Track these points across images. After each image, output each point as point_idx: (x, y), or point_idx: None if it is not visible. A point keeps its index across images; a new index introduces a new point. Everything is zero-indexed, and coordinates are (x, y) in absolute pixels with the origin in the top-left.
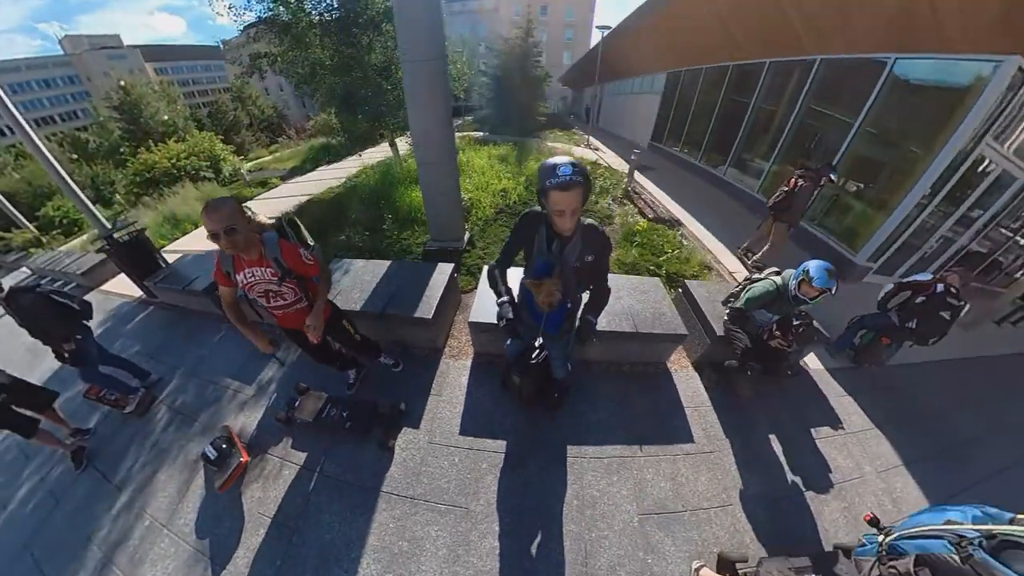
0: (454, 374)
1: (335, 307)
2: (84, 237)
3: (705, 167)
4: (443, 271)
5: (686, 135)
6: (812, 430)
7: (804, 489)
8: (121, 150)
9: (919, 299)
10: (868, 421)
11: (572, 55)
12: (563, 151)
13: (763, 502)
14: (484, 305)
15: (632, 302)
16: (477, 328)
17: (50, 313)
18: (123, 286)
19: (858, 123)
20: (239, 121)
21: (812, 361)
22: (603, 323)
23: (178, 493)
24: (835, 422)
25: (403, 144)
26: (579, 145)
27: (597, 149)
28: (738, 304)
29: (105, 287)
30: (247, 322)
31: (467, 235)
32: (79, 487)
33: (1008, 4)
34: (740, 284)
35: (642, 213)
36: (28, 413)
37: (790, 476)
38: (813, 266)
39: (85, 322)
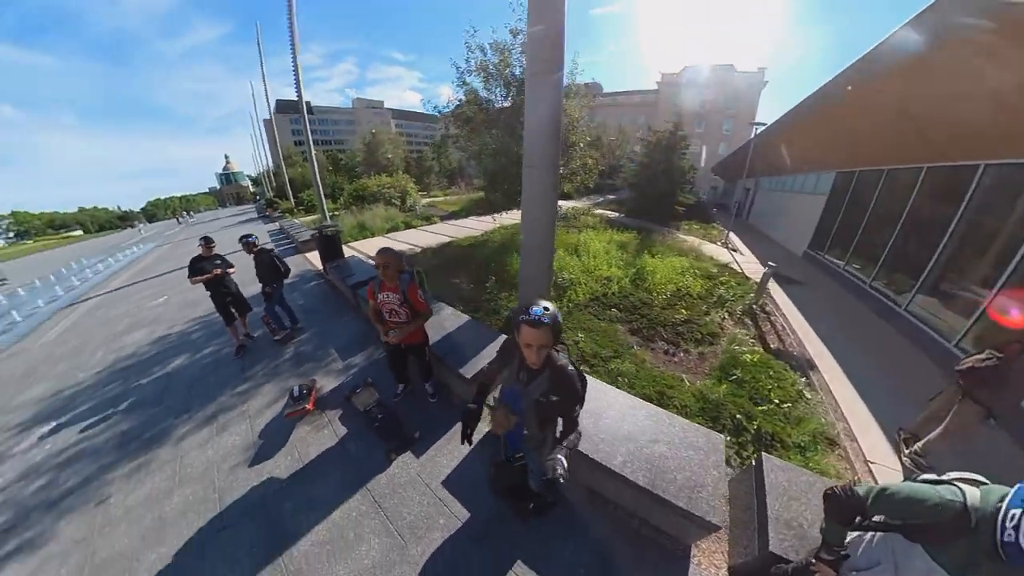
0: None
1: (427, 337)
2: (312, 218)
3: (879, 291)
4: (499, 340)
5: (856, 246)
6: None
7: None
8: (356, 171)
9: None
10: None
11: (728, 146)
12: (690, 246)
13: None
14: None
15: (666, 450)
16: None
17: (269, 266)
18: (316, 260)
19: None
20: (431, 167)
21: None
22: (618, 460)
23: (267, 403)
24: None
25: None
26: (714, 242)
27: (735, 250)
28: (859, 491)
29: (308, 255)
30: (381, 320)
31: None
32: (231, 367)
33: None
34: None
35: (763, 339)
36: (234, 311)
37: None
38: None
39: (284, 280)
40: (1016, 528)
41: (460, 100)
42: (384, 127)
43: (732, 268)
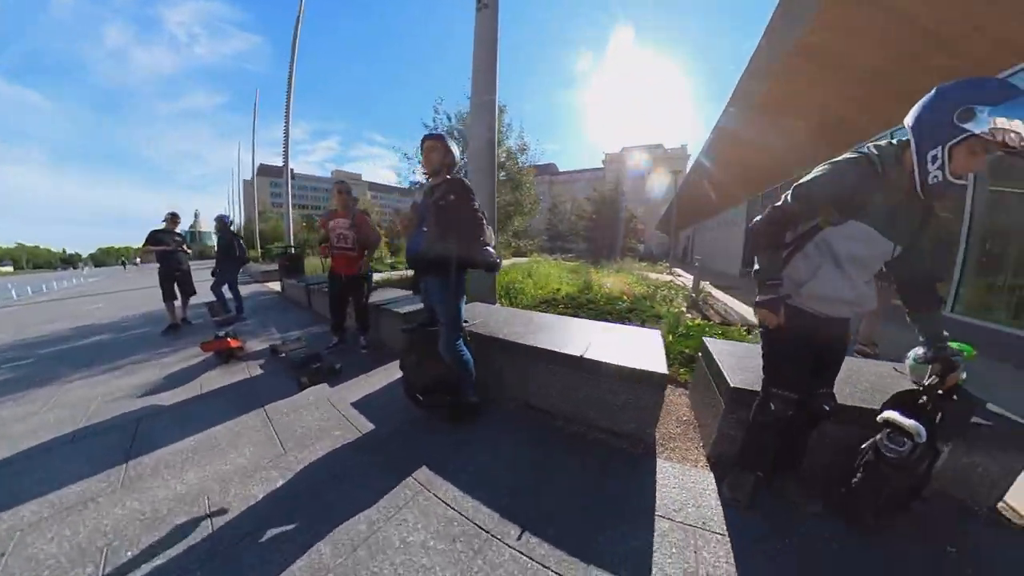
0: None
1: (368, 277)
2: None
3: None
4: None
5: None
6: None
7: None
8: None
9: None
10: None
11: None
12: (638, 272)
13: None
14: (738, 364)
15: (605, 342)
16: (740, 403)
17: (227, 245)
18: (273, 285)
19: None
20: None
21: None
22: (565, 349)
23: (186, 357)
24: None
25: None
26: (659, 273)
27: (678, 275)
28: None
29: (268, 284)
30: (330, 249)
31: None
32: (157, 340)
33: None
34: None
35: (707, 318)
36: (177, 291)
37: None
38: (966, 84)
39: (240, 263)
40: (940, 168)
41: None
42: (361, 196)
43: (673, 283)
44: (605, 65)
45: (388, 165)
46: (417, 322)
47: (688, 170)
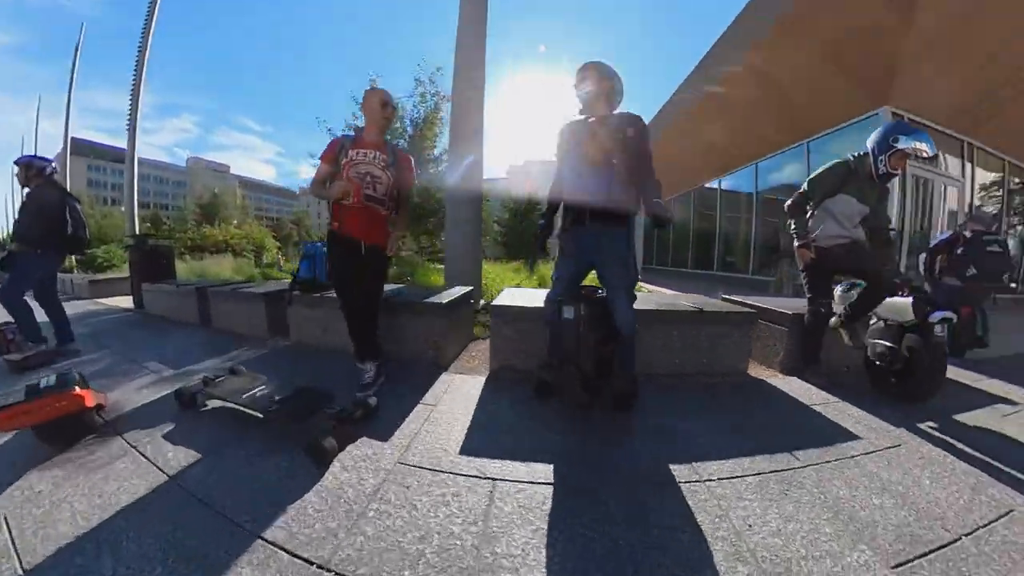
0: (460, 387)
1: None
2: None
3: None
4: (462, 289)
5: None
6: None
7: None
8: (184, 230)
9: (959, 249)
10: None
11: None
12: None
13: None
14: (510, 298)
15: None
16: (502, 318)
17: (51, 215)
18: (112, 302)
19: None
20: (291, 236)
21: None
22: (653, 311)
23: None
24: None
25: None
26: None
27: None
28: (802, 191)
29: (103, 300)
30: (325, 188)
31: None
32: None
33: None
34: None
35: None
36: None
37: None
38: (894, 125)
39: (66, 254)
40: (885, 165)
41: None
42: (230, 192)
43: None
44: (509, 77)
45: (264, 159)
46: (556, 294)
47: None
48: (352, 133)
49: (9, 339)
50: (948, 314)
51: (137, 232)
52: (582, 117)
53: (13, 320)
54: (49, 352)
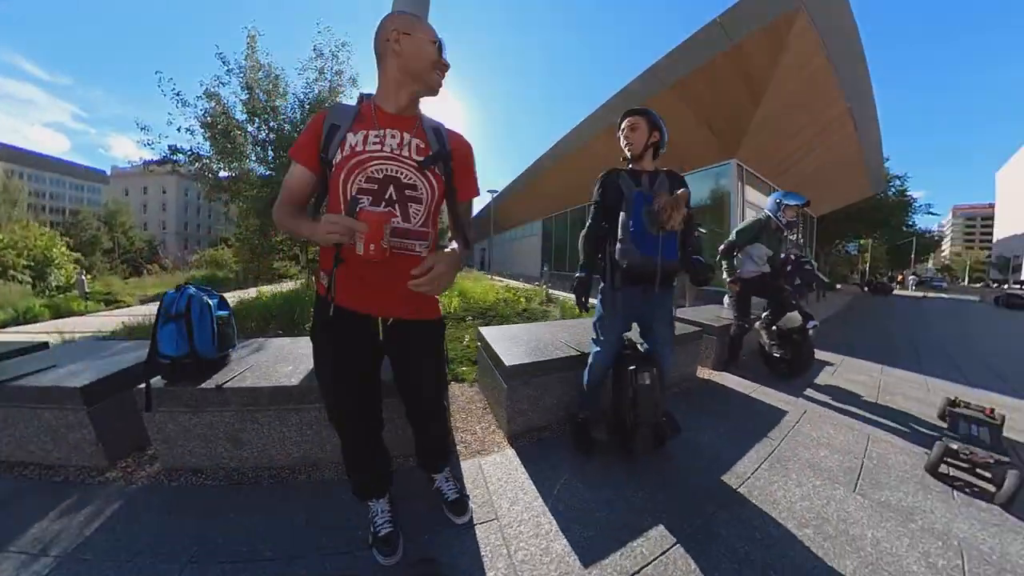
0: (500, 476)
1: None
2: None
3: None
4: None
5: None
6: None
7: None
8: None
9: (788, 267)
10: None
11: None
12: (475, 279)
13: None
14: (510, 349)
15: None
16: (518, 377)
17: None
18: None
19: None
20: (98, 241)
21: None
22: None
23: None
24: None
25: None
26: (488, 279)
27: (502, 281)
28: (732, 234)
29: None
30: (305, 218)
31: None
32: None
33: None
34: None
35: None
36: None
37: None
38: (782, 192)
39: None
40: (780, 218)
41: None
42: None
43: (512, 287)
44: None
45: (50, 122)
46: (614, 355)
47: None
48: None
49: None
50: (816, 322)
51: None
52: (628, 167)
53: None
54: None
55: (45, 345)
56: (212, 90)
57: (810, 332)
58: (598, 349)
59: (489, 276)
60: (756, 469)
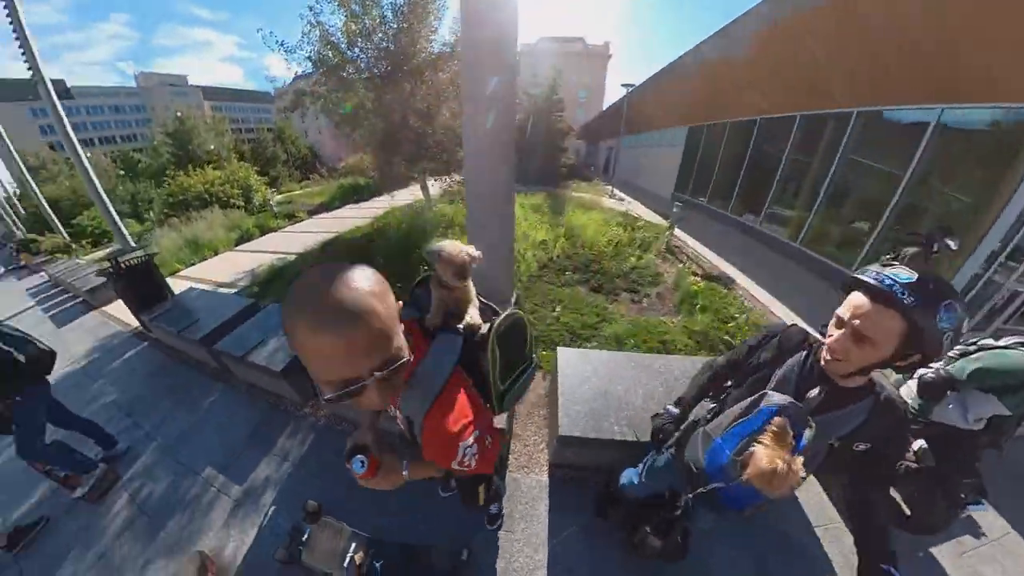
0: (526, 498)
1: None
2: (106, 252)
3: (735, 217)
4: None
5: (713, 186)
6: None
7: None
8: (166, 172)
9: None
10: None
11: (586, 113)
12: (592, 201)
13: None
14: (571, 405)
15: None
16: (565, 443)
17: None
18: (124, 314)
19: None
20: (277, 156)
21: None
22: (639, 402)
23: None
24: None
25: (435, 188)
26: (606, 196)
27: (623, 199)
28: (951, 371)
29: (107, 308)
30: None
31: (515, 295)
32: None
33: None
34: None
35: (693, 272)
36: None
37: None
38: None
39: (37, 384)
40: None
41: (307, 70)
42: (195, 110)
43: (631, 215)
44: None
45: (225, 57)
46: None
47: (629, 85)
48: None
49: (64, 477)
50: None
51: (130, 244)
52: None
53: (52, 464)
54: (108, 473)
55: (256, 307)
56: (312, 21)
57: None
58: (636, 483)
59: (610, 191)
60: None
